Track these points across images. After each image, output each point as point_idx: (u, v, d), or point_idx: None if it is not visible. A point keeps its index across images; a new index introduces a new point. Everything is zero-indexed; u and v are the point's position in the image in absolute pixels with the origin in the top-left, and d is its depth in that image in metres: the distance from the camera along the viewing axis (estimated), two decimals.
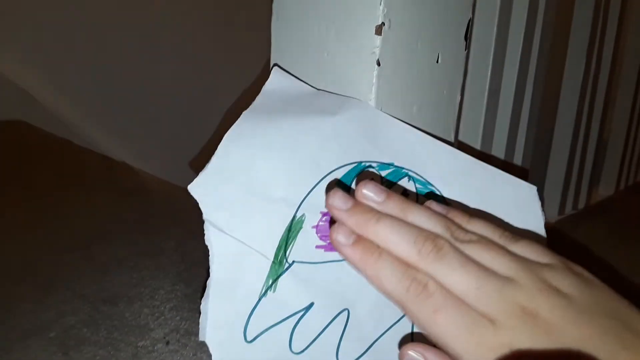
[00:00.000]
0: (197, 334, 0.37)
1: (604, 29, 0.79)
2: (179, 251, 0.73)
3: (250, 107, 0.36)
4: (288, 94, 0.38)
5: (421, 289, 0.25)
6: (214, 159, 0.33)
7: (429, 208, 0.30)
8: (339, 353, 0.35)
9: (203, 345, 0.34)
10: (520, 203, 0.37)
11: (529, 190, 0.38)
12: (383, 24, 0.36)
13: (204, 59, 0.97)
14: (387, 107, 0.38)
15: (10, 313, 0.58)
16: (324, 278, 0.34)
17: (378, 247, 0.27)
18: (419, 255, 0.26)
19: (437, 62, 0.41)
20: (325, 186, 0.35)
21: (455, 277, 0.25)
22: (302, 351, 0.34)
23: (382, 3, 0.35)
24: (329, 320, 0.35)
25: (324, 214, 0.35)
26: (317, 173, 0.35)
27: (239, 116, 0.35)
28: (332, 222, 0.29)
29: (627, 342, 0.23)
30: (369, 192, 0.29)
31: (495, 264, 0.26)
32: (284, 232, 0.34)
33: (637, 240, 0.78)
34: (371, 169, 0.36)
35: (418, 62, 0.40)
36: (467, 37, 0.43)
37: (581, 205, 0.87)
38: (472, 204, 0.37)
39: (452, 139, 0.45)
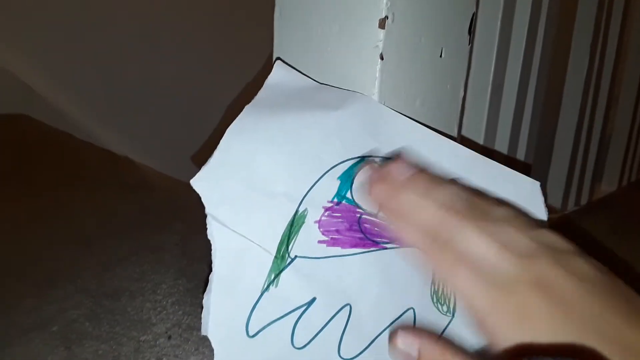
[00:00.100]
0: (199, 329, 0.37)
1: (607, 25, 0.79)
2: (181, 246, 0.73)
3: (252, 101, 0.36)
4: (291, 88, 0.38)
5: (446, 243, 0.28)
6: (216, 153, 0.33)
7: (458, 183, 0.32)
8: (341, 348, 0.35)
9: (205, 339, 0.34)
10: (523, 198, 0.37)
11: (532, 186, 0.38)
12: (386, 17, 0.36)
13: (207, 54, 0.97)
14: (390, 101, 0.38)
15: (13, 308, 0.58)
16: (326, 273, 0.34)
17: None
18: (444, 217, 0.28)
19: (441, 56, 0.41)
20: (336, 177, 0.35)
21: (476, 242, 0.27)
22: (304, 346, 0.34)
23: None
24: (331, 316, 0.34)
25: (327, 209, 0.34)
26: (320, 167, 0.35)
27: (241, 110, 0.35)
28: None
29: (634, 322, 0.24)
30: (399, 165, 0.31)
31: (515, 242, 0.27)
32: (287, 226, 0.34)
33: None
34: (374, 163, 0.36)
35: (421, 56, 0.40)
36: (471, 31, 0.43)
37: (584, 201, 0.87)
38: None
39: (455, 133, 0.45)
